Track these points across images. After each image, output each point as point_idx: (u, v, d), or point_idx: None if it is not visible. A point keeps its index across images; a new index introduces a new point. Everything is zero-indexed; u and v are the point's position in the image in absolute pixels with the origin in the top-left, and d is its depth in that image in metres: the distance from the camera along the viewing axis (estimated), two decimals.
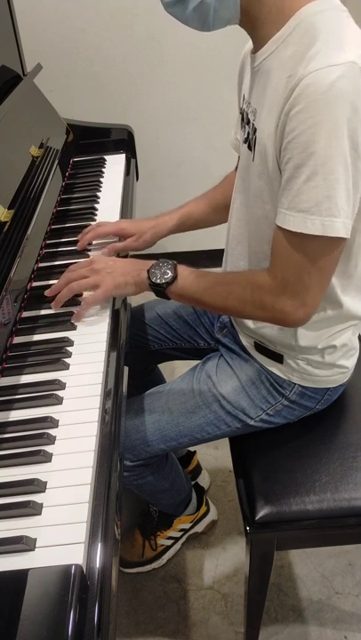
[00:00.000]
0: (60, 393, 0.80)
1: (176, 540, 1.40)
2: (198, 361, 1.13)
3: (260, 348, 1.01)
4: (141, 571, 1.37)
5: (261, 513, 0.95)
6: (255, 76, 0.85)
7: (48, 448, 0.72)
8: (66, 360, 0.86)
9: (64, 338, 0.90)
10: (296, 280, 0.80)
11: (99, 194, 1.33)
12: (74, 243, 1.13)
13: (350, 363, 1.02)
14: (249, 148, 0.89)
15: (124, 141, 1.56)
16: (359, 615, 1.28)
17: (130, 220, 1.20)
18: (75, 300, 0.96)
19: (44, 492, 0.68)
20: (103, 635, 0.56)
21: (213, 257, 2.13)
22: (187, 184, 2.12)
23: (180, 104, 2.01)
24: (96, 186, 1.36)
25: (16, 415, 0.78)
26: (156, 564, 1.38)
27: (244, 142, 0.92)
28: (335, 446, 1.03)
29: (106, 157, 1.51)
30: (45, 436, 0.73)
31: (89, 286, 0.95)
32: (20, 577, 0.58)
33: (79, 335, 0.91)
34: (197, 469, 1.53)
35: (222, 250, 1.09)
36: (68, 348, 0.88)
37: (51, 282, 1.01)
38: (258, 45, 0.83)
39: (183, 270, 0.93)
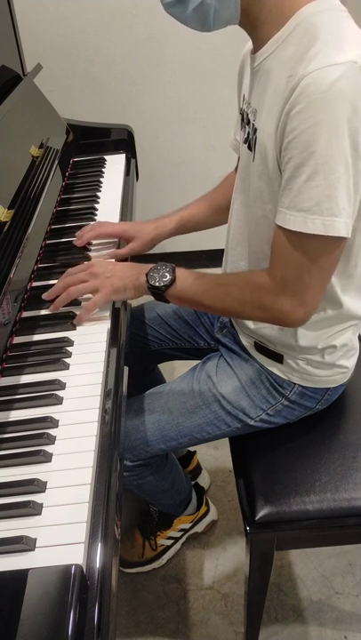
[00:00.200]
0: (60, 393, 0.80)
1: (176, 540, 1.40)
2: (198, 361, 1.13)
3: (261, 347, 1.01)
4: (141, 571, 1.37)
5: (261, 513, 0.95)
6: (255, 76, 0.85)
7: (48, 448, 0.72)
8: (66, 360, 0.86)
9: (64, 338, 0.90)
10: (296, 279, 0.80)
11: (99, 194, 1.33)
12: (74, 241, 1.13)
13: (350, 363, 1.02)
14: (249, 148, 0.89)
15: (124, 141, 1.56)
16: (359, 615, 1.28)
17: (130, 223, 1.20)
18: (76, 299, 0.96)
19: (44, 492, 0.68)
20: (103, 635, 0.56)
21: (213, 257, 2.13)
22: (187, 184, 2.12)
23: (180, 104, 2.01)
24: (96, 186, 1.36)
25: (16, 415, 0.78)
26: (156, 564, 1.38)
27: (245, 142, 0.92)
28: (335, 446, 1.03)
29: (106, 157, 1.51)
30: (45, 435, 0.73)
31: (88, 291, 0.94)
32: (20, 577, 0.58)
33: (79, 335, 0.91)
34: (197, 469, 1.53)
35: (222, 250, 1.09)
36: (68, 347, 0.88)
37: (51, 282, 1.01)
38: (258, 45, 0.83)
39: (182, 273, 0.92)
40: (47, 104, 1.45)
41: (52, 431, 0.75)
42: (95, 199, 1.31)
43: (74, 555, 0.60)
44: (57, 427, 0.76)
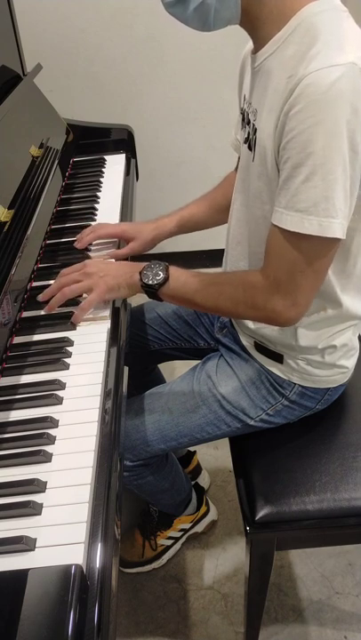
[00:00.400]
0: (60, 393, 0.80)
1: (176, 540, 1.40)
2: (198, 361, 1.13)
3: (261, 347, 1.01)
4: (141, 571, 1.38)
5: (261, 513, 0.95)
6: (256, 76, 0.85)
7: (48, 448, 0.72)
8: (66, 360, 0.86)
9: (64, 338, 0.90)
10: (289, 279, 0.80)
11: (99, 194, 1.33)
12: (74, 243, 1.13)
13: (350, 363, 1.02)
14: (249, 148, 0.89)
15: (124, 141, 1.56)
16: (359, 615, 1.28)
17: (130, 223, 1.20)
18: (74, 299, 0.96)
19: (44, 492, 0.68)
20: (103, 635, 0.56)
21: (213, 257, 2.14)
22: (187, 184, 2.12)
23: (180, 104, 2.01)
24: (96, 186, 1.36)
25: (16, 415, 0.78)
26: (156, 564, 1.38)
27: (245, 142, 0.92)
28: (335, 446, 1.03)
29: (106, 157, 1.51)
30: (45, 436, 0.73)
31: (82, 290, 0.95)
32: (20, 577, 0.58)
33: (79, 335, 0.91)
34: (197, 469, 1.53)
35: (222, 250, 1.09)
36: (68, 347, 0.88)
37: (51, 282, 1.01)
38: (258, 45, 0.83)
39: (175, 271, 0.93)
40: (47, 104, 1.45)
41: (52, 431, 0.75)
42: (95, 199, 1.31)
43: (74, 555, 0.60)
44: (57, 427, 0.76)
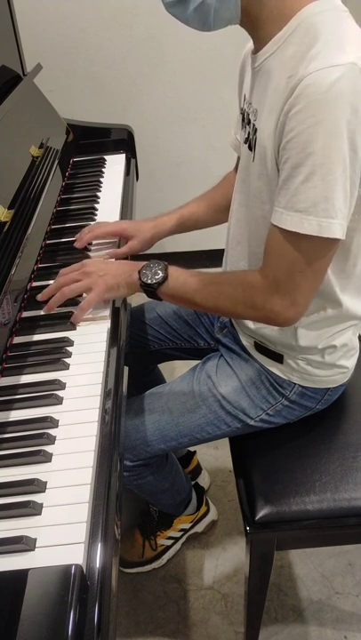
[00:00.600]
0: (60, 393, 0.80)
1: (176, 540, 1.40)
2: (198, 361, 1.13)
3: (261, 347, 1.01)
4: (141, 571, 1.38)
5: (261, 513, 0.95)
6: (256, 76, 0.85)
7: (48, 448, 0.72)
8: (66, 360, 0.86)
9: (64, 338, 0.90)
10: (288, 279, 0.80)
11: (99, 194, 1.33)
12: (74, 243, 1.13)
13: (350, 363, 1.02)
14: (249, 148, 0.89)
15: (124, 141, 1.56)
16: (359, 615, 1.28)
17: (129, 221, 1.20)
18: (74, 299, 0.96)
19: (44, 492, 0.68)
20: (103, 635, 0.56)
21: (213, 257, 2.14)
22: (187, 184, 2.12)
23: (180, 104, 2.01)
24: (96, 186, 1.36)
25: (16, 415, 0.78)
26: (156, 564, 1.38)
27: (245, 142, 0.92)
28: (335, 446, 1.03)
29: (106, 157, 1.51)
30: (45, 436, 0.73)
31: (81, 290, 0.95)
32: (20, 577, 0.58)
33: (79, 335, 0.91)
34: (197, 469, 1.53)
35: (222, 250, 1.09)
36: (68, 347, 0.88)
37: (51, 282, 1.01)
38: (259, 46, 0.83)
39: (174, 271, 0.93)
40: (47, 104, 1.45)
41: (52, 431, 0.75)
42: (95, 199, 1.31)
43: (74, 555, 0.60)
44: (57, 427, 0.76)
